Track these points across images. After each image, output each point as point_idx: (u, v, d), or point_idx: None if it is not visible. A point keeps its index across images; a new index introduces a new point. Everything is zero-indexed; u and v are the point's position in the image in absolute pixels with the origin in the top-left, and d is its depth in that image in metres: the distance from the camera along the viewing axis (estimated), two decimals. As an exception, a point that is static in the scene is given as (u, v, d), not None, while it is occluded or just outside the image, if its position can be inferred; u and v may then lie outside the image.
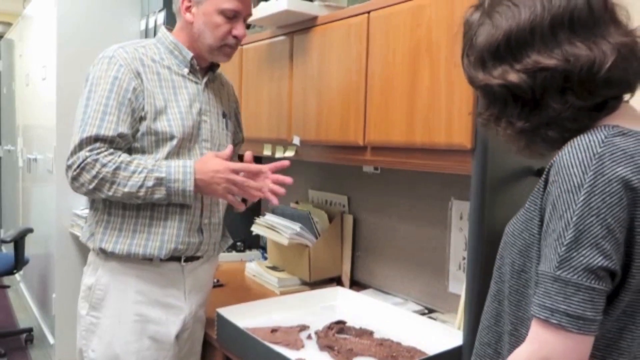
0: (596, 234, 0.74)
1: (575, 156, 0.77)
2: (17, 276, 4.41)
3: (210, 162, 1.38)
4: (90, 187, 1.33)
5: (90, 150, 1.32)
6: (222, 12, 1.41)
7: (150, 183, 1.32)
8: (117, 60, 1.39)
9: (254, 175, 1.45)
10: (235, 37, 1.44)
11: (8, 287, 4.53)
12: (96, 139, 1.33)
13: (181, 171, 1.34)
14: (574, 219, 0.74)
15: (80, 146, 1.33)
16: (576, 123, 0.82)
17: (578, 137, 0.79)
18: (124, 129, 1.35)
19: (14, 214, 4.67)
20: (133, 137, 1.39)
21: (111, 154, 1.33)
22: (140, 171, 1.33)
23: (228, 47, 1.45)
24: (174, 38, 1.48)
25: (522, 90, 0.81)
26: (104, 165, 1.31)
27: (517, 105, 0.83)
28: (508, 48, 0.82)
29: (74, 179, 1.34)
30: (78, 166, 1.32)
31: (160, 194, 1.34)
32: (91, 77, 1.40)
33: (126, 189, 1.32)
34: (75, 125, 1.37)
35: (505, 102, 0.84)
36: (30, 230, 3.36)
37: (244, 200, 1.52)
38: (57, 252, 2.93)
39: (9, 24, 5.31)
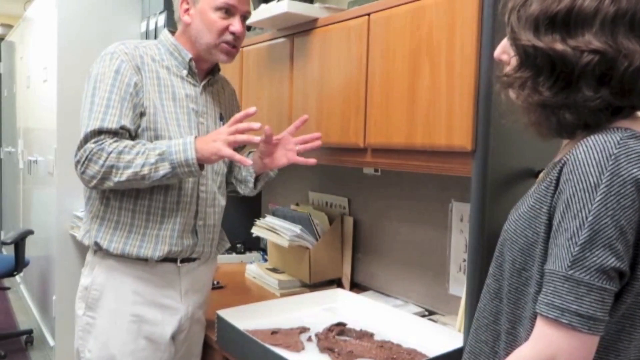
0: (610, 235, 0.74)
1: (591, 156, 0.77)
2: (18, 278, 4.41)
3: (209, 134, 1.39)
4: (99, 177, 1.32)
5: (95, 142, 1.33)
6: (217, 9, 1.43)
7: (152, 160, 1.31)
8: (118, 55, 1.40)
9: (274, 146, 1.52)
10: (232, 33, 1.44)
11: (8, 288, 4.53)
12: (100, 131, 1.33)
13: (181, 142, 1.33)
14: (589, 218, 0.74)
15: (86, 140, 1.34)
16: (594, 118, 0.82)
17: (592, 137, 0.79)
18: (126, 122, 1.36)
19: (15, 216, 4.67)
20: (135, 132, 1.39)
21: (115, 141, 1.34)
22: (143, 152, 1.32)
23: (226, 43, 1.45)
24: (175, 40, 1.49)
25: (564, 64, 0.80)
26: (109, 153, 1.31)
27: (552, 77, 0.82)
28: (566, 21, 0.81)
29: (83, 172, 1.33)
30: (85, 158, 1.32)
31: (164, 169, 1.31)
32: (94, 73, 1.41)
33: (131, 170, 1.31)
34: (81, 123, 1.37)
35: (541, 70, 0.83)
36: (31, 232, 3.36)
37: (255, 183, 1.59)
38: (57, 254, 2.93)
39: (10, 26, 5.31)
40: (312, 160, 1.50)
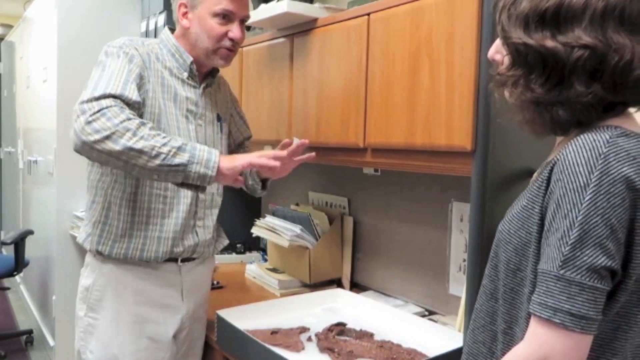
0: (601, 234, 0.74)
1: (580, 155, 0.77)
2: (17, 278, 4.41)
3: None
4: (107, 134, 1.18)
5: (115, 101, 1.23)
6: (215, 15, 1.42)
7: (176, 143, 1.23)
8: (129, 48, 1.39)
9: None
10: (231, 39, 1.44)
11: (8, 289, 4.53)
12: (119, 97, 1.25)
13: (205, 147, 1.28)
14: (579, 218, 0.75)
15: (103, 96, 1.23)
16: (586, 115, 0.82)
17: (582, 136, 0.79)
18: (140, 99, 1.32)
19: (15, 216, 4.67)
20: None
21: (134, 115, 1.25)
22: (164, 136, 1.25)
23: (225, 49, 1.45)
24: (176, 41, 1.48)
25: (555, 60, 0.80)
26: (130, 119, 1.21)
27: (544, 74, 0.82)
28: (556, 17, 0.81)
29: (89, 123, 1.19)
30: (97, 111, 1.20)
31: (181, 158, 1.22)
32: (105, 49, 1.38)
33: (149, 142, 1.20)
34: (91, 84, 1.27)
35: (533, 67, 0.83)
36: (31, 232, 3.36)
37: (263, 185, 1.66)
38: (57, 254, 2.93)
39: (9, 26, 5.32)
40: (312, 155, 1.50)
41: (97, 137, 1.19)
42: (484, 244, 1.20)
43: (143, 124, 1.23)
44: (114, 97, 1.25)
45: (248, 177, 1.66)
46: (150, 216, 1.42)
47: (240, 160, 1.29)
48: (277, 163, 1.33)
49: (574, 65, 0.79)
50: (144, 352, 1.46)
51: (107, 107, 1.21)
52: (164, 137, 1.24)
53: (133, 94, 1.29)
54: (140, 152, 1.20)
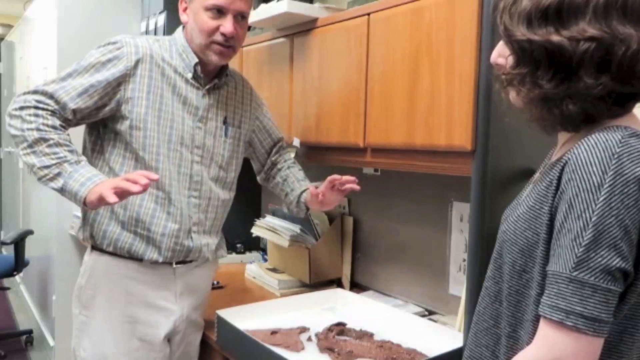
0: (615, 235, 0.73)
1: (593, 155, 0.76)
2: (17, 278, 4.41)
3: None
4: (15, 133, 1.33)
5: (41, 101, 1.33)
6: (207, 9, 1.40)
7: (56, 170, 1.30)
8: (122, 44, 1.41)
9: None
10: (223, 34, 1.41)
11: (8, 288, 4.53)
12: (52, 96, 1.34)
13: (86, 177, 1.29)
14: (593, 219, 0.74)
15: (35, 92, 1.35)
16: (596, 108, 0.81)
17: (593, 136, 0.78)
18: (80, 105, 1.36)
19: (14, 216, 4.67)
20: (86, 115, 1.39)
21: (53, 126, 1.33)
22: (60, 156, 1.31)
23: (216, 44, 1.42)
24: (185, 42, 1.48)
25: (561, 54, 0.79)
26: (37, 128, 1.31)
27: (550, 69, 0.81)
28: (558, 12, 0.80)
29: (9, 116, 1.34)
30: (18, 108, 1.33)
31: (56, 184, 1.30)
32: (99, 44, 1.43)
33: (36, 159, 1.30)
34: (50, 78, 1.39)
35: (539, 63, 0.82)
36: (31, 232, 3.36)
37: None
38: (57, 254, 2.93)
39: (9, 26, 5.32)
40: (355, 187, 1.50)
41: (11, 132, 1.35)
42: (484, 244, 1.20)
43: (44, 139, 1.30)
44: (49, 95, 1.34)
45: (293, 204, 1.64)
46: (141, 213, 1.42)
47: (97, 198, 1.24)
48: (135, 186, 1.22)
49: (581, 58, 0.78)
50: (135, 352, 1.45)
51: (26, 108, 1.32)
52: (54, 158, 1.30)
53: (73, 100, 1.35)
54: (27, 164, 1.33)
